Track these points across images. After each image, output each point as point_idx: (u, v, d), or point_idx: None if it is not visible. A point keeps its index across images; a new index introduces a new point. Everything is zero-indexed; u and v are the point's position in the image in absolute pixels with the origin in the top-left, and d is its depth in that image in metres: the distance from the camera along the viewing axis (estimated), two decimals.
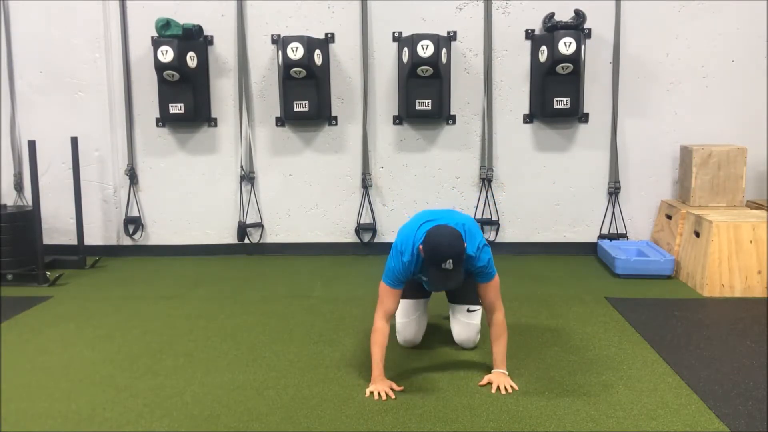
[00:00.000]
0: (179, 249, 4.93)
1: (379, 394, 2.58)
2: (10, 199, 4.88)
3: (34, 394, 2.65)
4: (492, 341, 2.74)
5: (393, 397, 2.57)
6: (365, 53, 4.69)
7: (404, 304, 3.00)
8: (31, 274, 4.25)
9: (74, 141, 4.55)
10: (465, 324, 2.98)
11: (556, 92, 4.45)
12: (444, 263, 2.46)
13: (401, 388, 2.63)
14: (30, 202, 4.59)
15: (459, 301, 2.99)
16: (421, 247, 2.55)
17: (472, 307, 2.98)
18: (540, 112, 4.60)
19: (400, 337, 3.05)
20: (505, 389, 2.61)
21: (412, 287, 3.00)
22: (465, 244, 2.53)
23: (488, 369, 2.80)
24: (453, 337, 3.05)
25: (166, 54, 4.42)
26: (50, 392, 2.66)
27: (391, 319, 2.72)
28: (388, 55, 4.69)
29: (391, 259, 2.69)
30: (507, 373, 2.70)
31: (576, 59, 4.31)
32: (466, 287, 2.90)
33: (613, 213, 4.75)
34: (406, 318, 3.01)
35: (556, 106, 4.47)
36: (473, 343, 3.02)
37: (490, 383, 2.66)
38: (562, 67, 4.35)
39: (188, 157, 4.86)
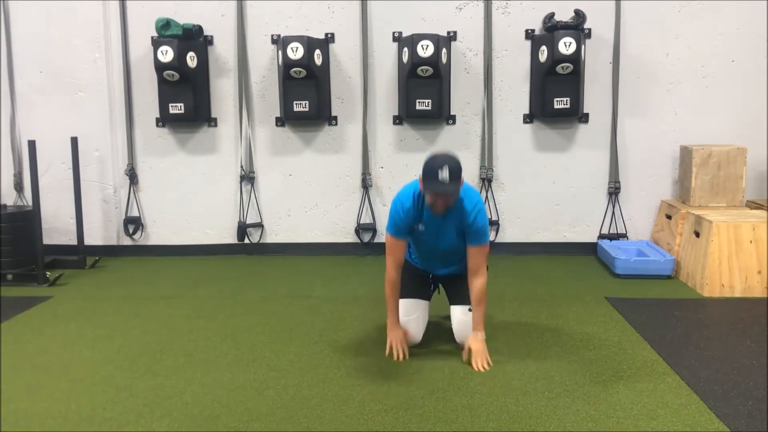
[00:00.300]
0: (179, 249, 4.93)
1: (397, 352, 2.82)
2: (10, 199, 4.88)
3: (34, 394, 2.65)
4: (473, 304, 2.86)
5: (407, 352, 2.85)
6: (365, 53, 4.69)
7: (405, 303, 3.01)
8: (31, 274, 4.25)
9: (74, 141, 4.55)
10: (465, 323, 2.98)
11: (556, 92, 4.45)
12: (441, 170, 2.56)
13: (417, 340, 2.89)
14: (30, 202, 4.59)
15: (460, 301, 3.01)
16: (420, 178, 2.68)
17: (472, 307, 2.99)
18: (540, 112, 4.60)
19: None
20: (482, 366, 2.76)
21: (414, 287, 3.03)
22: (463, 177, 2.67)
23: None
24: (453, 337, 3.05)
25: (166, 54, 4.42)
26: (50, 392, 2.66)
27: (401, 267, 2.88)
28: (388, 55, 4.69)
29: (393, 210, 2.82)
30: (484, 337, 2.84)
31: (576, 59, 4.31)
32: (462, 286, 2.92)
33: (613, 213, 4.75)
34: (406, 317, 3.02)
35: (556, 106, 4.47)
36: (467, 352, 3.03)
37: (470, 354, 2.81)
38: (562, 67, 4.35)
39: (188, 157, 4.86)
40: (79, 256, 4.63)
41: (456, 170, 2.62)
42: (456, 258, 2.96)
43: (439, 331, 3.23)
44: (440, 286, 3.17)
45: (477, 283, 2.82)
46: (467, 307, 2.97)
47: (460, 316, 3.00)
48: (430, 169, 2.63)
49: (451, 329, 3.08)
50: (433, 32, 4.42)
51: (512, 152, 4.74)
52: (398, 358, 2.86)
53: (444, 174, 2.58)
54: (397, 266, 2.87)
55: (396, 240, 2.85)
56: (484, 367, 2.77)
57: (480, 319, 2.86)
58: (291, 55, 4.37)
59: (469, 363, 2.81)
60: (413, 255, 3.10)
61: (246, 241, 4.87)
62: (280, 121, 4.79)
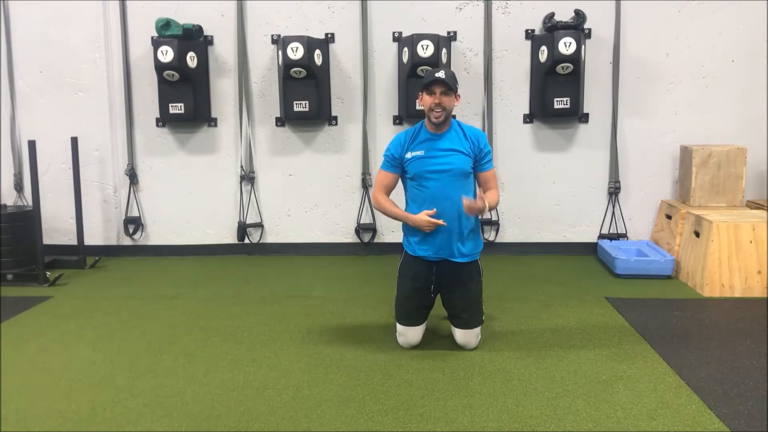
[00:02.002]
0: (179, 249, 4.93)
1: (430, 225, 2.89)
2: (10, 199, 4.88)
3: (34, 394, 2.65)
4: (487, 196, 2.97)
5: (438, 221, 2.88)
6: (365, 53, 4.69)
7: (406, 308, 3.01)
8: (31, 274, 4.25)
9: (74, 141, 4.55)
10: (465, 333, 2.99)
11: (556, 92, 4.45)
12: (437, 72, 2.86)
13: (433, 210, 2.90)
14: (30, 202, 4.59)
15: (462, 326, 3.00)
16: (420, 94, 2.93)
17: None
18: (540, 112, 4.60)
19: (401, 339, 3.06)
20: (469, 209, 2.81)
21: (412, 313, 3.02)
22: (458, 91, 2.97)
23: (488, 370, 2.81)
24: (454, 338, 3.05)
25: (166, 54, 4.42)
26: (50, 392, 2.66)
27: (389, 192, 3.07)
28: (388, 55, 4.69)
29: (389, 145, 3.02)
30: (487, 206, 2.89)
31: (576, 59, 4.31)
32: (464, 306, 2.96)
33: (613, 213, 4.75)
34: (404, 330, 3.02)
35: (556, 106, 4.47)
36: (474, 343, 3.03)
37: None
38: (562, 67, 4.35)
39: (188, 157, 4.86)
40: (79, 256, 4.63)
41: (451, 75, 2.91)
42: (454, 180, 2.92)
43: (439, 332, 3.24)
44: (440, 294, 3.11)
45: (491, 191, 3.03)
46: (469, 330, 3.00)
47: (461, 333, 3.02)
48: (428, 73, 2.91)
49: (450, 330, 3.08)
50: (433, 32, 4.42)
51: (512, 152, 4.74)
52: (441, 222, 2.88)
53: (440, 73, 2.86)
54: (386, 191, 3.05)
55: (387, 172, 3.03)
56: (471, 207, 2.81)
57: (491, 196, 2.97)
58: (291, 55, 4.37)
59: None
60: (414, 234, 3.00)
61: (246, 241, 4.87)
62: (280, 121, 4.79)
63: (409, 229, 3.03)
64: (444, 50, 4.40)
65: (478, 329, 3.01)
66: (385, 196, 3.05)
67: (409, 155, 2.94)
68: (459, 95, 3.00)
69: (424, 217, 2.88)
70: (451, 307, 3.05)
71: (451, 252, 2.94)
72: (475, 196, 2.98)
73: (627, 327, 3.33)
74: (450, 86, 2.86)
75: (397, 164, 3.00)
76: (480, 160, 2.99)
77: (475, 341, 3.02)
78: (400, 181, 3.07)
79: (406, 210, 3.01)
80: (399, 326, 3.05)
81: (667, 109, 4.65)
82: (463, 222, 2.94)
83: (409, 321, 3.02)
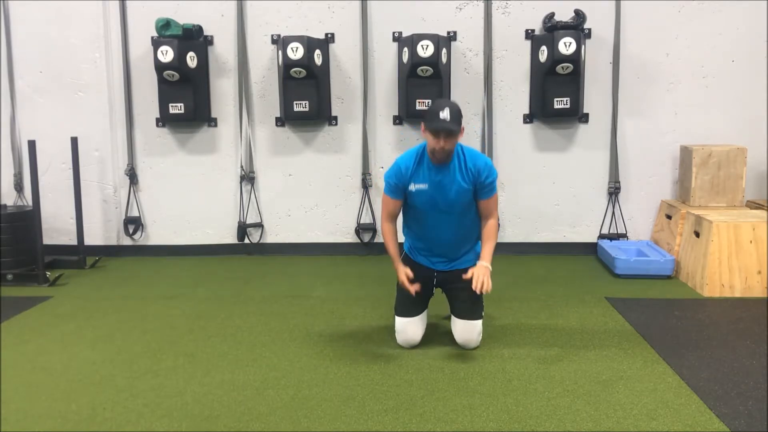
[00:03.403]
0: (179, 249, 4.93)
1: (409, 288, 2.88)
2: (10, 199, 4.88)
3: (34, 394, 2.65)
4: (482, 240, 2.98)
5: (415, 286, 2.89)
6: (365, 53, 4.69)
7: (405, 306, 3.01)
8: (31, 274, 4.25)
9: (74, 141, 4.55)
10: (466, 330, 2.99)
11: (556, 92, 4.45)
12: (442, 111, 2.74)
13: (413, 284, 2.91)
14: (30, 202, 4.59)
15: (463, 316, 3.00)
16: (423, 125, 2.83)
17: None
18: (540, 112, 4.60)
19: (400, 337, 3.05)
20: (481, 285, 2.77)
21: (411, 306, 3.03)
22: (463, 125, 2.84)
23: (488, 370, 2.81)
24: (454, 338, 3.05)
25: (166, 54, 4.42)
26: (50, 392, 2.66)
27: (395, 220, 3.02)
28: (388, 55, 4.69)
29: (390, 171, 2.94)
30: (490, 267, 2.87)
31: (576, 59, 4.30)
32: (466, 299, 2.94)
33: (613, 213, 4.75)
34: (403, 323, 3.02)
35: (556, 106, 4.47)
36: (475, 343, 3.03)
37: (472, 276, 2.83)
38: (562, 67, 4.35)
39: (188, 157, 4.86)
40: (79, 256, 4.63)
41: (456, 112, 2.78)
42: (456, 227, 2.95)
43: (439, 332, 3.24)
44: (441, 289, 3.15)
45: (489, 223, 2.97)
46: (471, 321, 2.99)
47: (462, 326, 3.01)
48: (432, 110, 2.79)
49: (450, 330, 3.08)
50: (433, 32, 4.42)
51: (512, 152, 4.74)
52: (412, 292, 2.92)
53: (445, 114, 2.74)
54: (391, 219, 3.00)
55: (391, 199, 2.97)
56: (482, 288, 2.78)
57: (489, 252, 2.93)
58: (291, 55, 4.37)
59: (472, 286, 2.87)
60: (414, 243, 3.06)
61: (246, 241, 4.87)
62: (280, 121, 4.79)
63: (410, 234, 3.09)
64: (444, 50, 4.40)
65: (479, 325, 2.99)
66: (391, 228, 3.02)
67: (412, 187, 2.91)
68: (463, 128, 2.88)
69: (402, 276, 2.93)
70: (453, 298, 3.07)
71: (450, 268, 3.05)
72: (477, 217, 2.99)
73: (627, 327, 3.33)
74: (455, 131, 2.78)
75: (400, 191, 2.94)
76: (480, 189, 2.91)
77: (476, 338, 3.01)
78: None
79: (403, 225, 3.11)
80: (398, 322, 3.04)
81: (667, 109, 4.65)
82: (461, 248, 3.02)
83: (407, 311, 3.02)
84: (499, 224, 3.14)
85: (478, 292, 2.79)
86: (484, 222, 2.98)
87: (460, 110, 2.84)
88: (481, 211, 2.98)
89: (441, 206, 2.90)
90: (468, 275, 2.85)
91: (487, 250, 2.94)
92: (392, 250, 3.00)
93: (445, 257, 3.04)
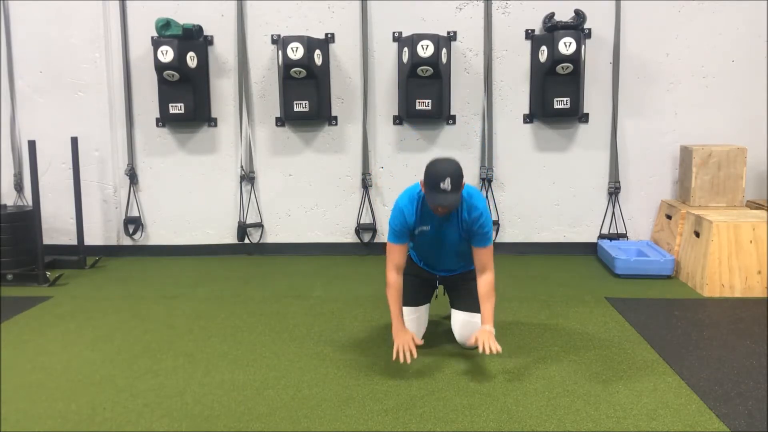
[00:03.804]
0: (179, 249, 4.93)
1: (404, 355, 2.71)
2: (10, 199, 4.88)
3: (34, 394, 2.65)
4: (481, 299, 2.84)
5: (414, 353, 2.72)
6: (365, 53, 4.69)
7: (405, 310, 3.00)
8: (31, 274, 4.25)
9: (74, 141, 4.55)
10: (466, 323, 2.98)
11: (556, 92, 4.45)
12: (442, 182, 2.58)
13: (421, 341, 2.80)
14: (30, 202, 4.59)
15: (463, 308, 3.01)
16: (421, 181, 2.69)
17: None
18: (540, 112, 4.60)
19: None
20: (490, 350, 2.66)
21: (414, 295, 3.02)
22: (462, 170, 2.66)
23: (488, 371, 2.81)
24: (454, 337, 3.05)
25: (166, 54, 4.42)
26: (50, 392, 2.66)
27: (401, 271, 2.86)
28: (388, 55, 4.69)
29: (393, 214, 2.83)
30: (493, 330, 2.77)
31: (576, 59, 4.30)
32: (467, 294, 2.93)
33: (613, 213, 4.75)
34: (406, 318, 3.01)
35: (556, 106, 4.47)
36: (475, 341, 3.02)
37: (476, 341, 2.74)
38: (562, 67, 4.35)
39: (188, 157, 4.86)
40: (79, 256, 4.63)
41: (457, 179, 2.62)
42: (457, 257, 2.97)
43: (439, 331, 3.24)
44: (441, 289, 3.16)
45: (484, 279, 2.84)
46: (470, 313, 2.98)
47: (462, 318, 3.00)
48: (432, 179, 2.63)
49: (450, 330, 3.08)
50: (433, 32, 4.42)
51: (512, 152, 4.74)
52: (406, 361, 2.73)
53: (446, 185, 2.59)
54: (397, 270, 2.85)
55: (396, 245, 2.84)
56: (491, 349, 2.68)
57: (489, 313, 2.82)
58: (291, 55, 4.37)
59: (476, 347, 2.79)
60: (416, 257, 3.11)
61: (246, 241, 4.87)
62: (280, 121, 4.79)
63: (412, 252, 3.10)
64: (444, 50, 4.40)
65: (478, 318, 2.98)
66: (398, 281, 2.84)
67: (416, 230, 2.87)
68: (464, 183, 2.74)
69: (405, 342, 2.75)
70: (454, 291, 3.08)
71: (452, 274, 3.08)
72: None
73: (627, 327, 3.33)
74: (457, 204, 2.68)
75: (405, 236, 2.85)
76: (473, 237, 2.82)
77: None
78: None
79: None
80: None
81: (667, 109, 4.65)
82: (464, 264, 3.02)
83: (408, 301, 2.97)
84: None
85: (486, 353, 2.69)
86: (479, 275, 2.85)
87: (461, 172, 2.65)
88: (476, 262, 2.85)
89: (444, 243, 2.90)
90: (472, 341, 2.78)
91: (487, 311, 2.81)
92: (394, 308, 2.83)
93: (447, 271, 3.07)
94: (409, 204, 2.82)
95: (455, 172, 2.62)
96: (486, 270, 2.85)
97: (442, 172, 2.62)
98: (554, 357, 2.95)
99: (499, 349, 2.68)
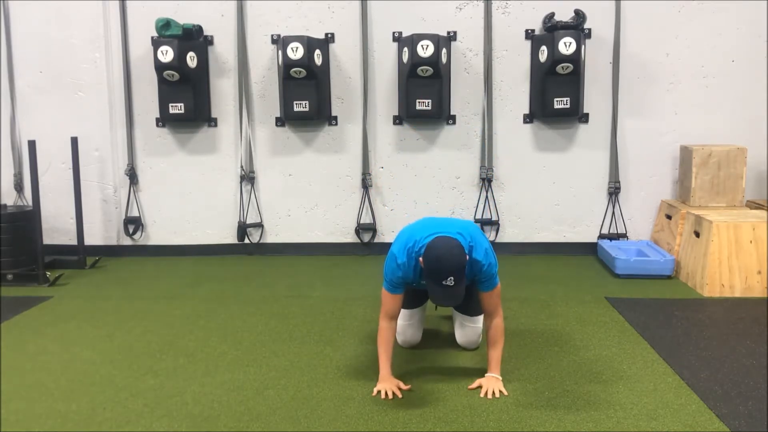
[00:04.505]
0: (179, 249, 4.93)
1: (386, 392, 2.58)
2: (10, 199, 4.88)
3: (34, 394, 2.65)
4: (488, 345, 2.72)
5: (400, 395, 2.57)
6: (365, 53, 4.69)
7: (403, 312, 3.00)
8: (31, 274, 4.25)
9: (74, 141, 4.55)
10: (468, 326, 2.99)
11: (556, 92, 4.45)
12: (445, 280, 2.38)
13: (408, 387, 2.63)
14: (30, 202, 4.59)
15: (464, 311, 2.99)
16: (421, 260, 2.48)
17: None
18: (540, 112, 4.60)
19: (400, 338, 3.05)
20: (493, 394, 2.58)
21: (412, 294, 3.00)
22: (467, 258, 2.45)
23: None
24: (454, 338, 3.05)
25: (166, 54, 4.42)
26: (50, 392, 2.66)
27: (395, 318, 2.70)
28: (388, 55, 4.69)
29: (388, 267, 2.66)
30: (500, 378, 2.66)
31: (576, 59, 4.30)
32: (468, 297, 2.91)
33: (613, 213, 4.75)
34: (405, 321, 3.02)
35: (556, 106, 4.47)
36: (475, 344, 3.03)
37: (480, 387, 2.63)
38: (562, 67, 4.35)
39: (188, 157, 4.86)
40: (79, 256, 4.63)
41: (461, 273, 2.40)
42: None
43: (439, 332, 3.24)
44: None
45: (494, 324, 2.69)
46: (471, 317, 2.97)
47: (463, 321, 3.00)
48: (434, 273, 2.41)
49: (451, 330, 3.08)
50: (433, 32, 4.42)
51: (512, 152, 4.74)
52: (388, 397, 2.59)
53: (448, 282, 2.39)
54: (390, 318, 2.68)
55: (391, 295, 2.67)
56: (497, 393, 2.59)
57: (497, 360, 2.68)
58: (291, 55, 4.37)
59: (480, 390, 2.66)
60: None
61: (246, 241, 4.87)
62: (280, 121, 4.79)
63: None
64: (444, 50, 4.40)
65: (479, 323, 2.99)
66: (390, 327, 2.67)
67: (414, 284, 2.73)
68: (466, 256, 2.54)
69: (389, 387, 2.60)
70: None
71: None
72: None
73: (627, 327, 3.33)
74: (461, 297, 2.49)
75: (401, 287, 2.68)
76: (479, 282, 2.65)
77: (476, 339, 3.01)
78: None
79: None
80: (398, 326, 3.03)
81: (667, 109, 4.65)
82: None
83: (406, 304, 2.91)
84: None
85: (490, 395, 2.58)
86: (489, 321, 2.70)
87: (465, 260, 2.41)
88: (484, 307, 2.71)
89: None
90: (474, 385, 2.65)
91: (494, 357, 2.68)
92: (383, 355, 2.65)
93: None
94: (406, 261, 2.61)
95: (458, 265, 2.38)
96: (495, 314, 2.70)
97: (445, 267, 2.38)
98: (554, 357, 2.95)
99: (505, 392, 2.59)
